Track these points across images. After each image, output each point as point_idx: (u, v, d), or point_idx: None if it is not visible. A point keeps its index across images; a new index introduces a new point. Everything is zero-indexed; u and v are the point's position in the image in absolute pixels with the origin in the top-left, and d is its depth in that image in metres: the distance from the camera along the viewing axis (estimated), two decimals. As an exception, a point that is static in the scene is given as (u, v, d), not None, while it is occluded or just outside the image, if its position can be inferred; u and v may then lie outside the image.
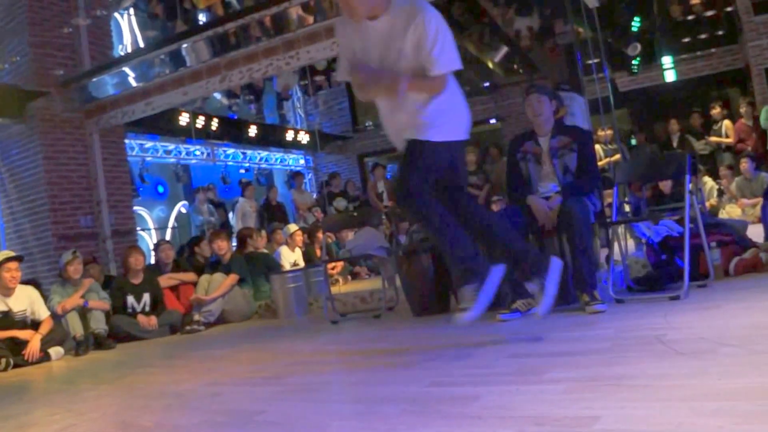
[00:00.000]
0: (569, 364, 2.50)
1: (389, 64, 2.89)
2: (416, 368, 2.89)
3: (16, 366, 5.22)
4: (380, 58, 2.91)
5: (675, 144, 9.90)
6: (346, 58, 3.05)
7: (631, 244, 5.24)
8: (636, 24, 9.45)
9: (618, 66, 9.73)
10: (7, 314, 5.50)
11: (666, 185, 7.10)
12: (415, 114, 2.92)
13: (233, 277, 6.51)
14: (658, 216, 4.68)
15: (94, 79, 8.13)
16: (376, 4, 2.81)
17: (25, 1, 7.89)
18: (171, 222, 11.55)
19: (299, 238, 8.07)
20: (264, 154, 13.23)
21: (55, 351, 5.52)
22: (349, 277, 8.30)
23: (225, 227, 9.81)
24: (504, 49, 8.19)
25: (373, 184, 11.18)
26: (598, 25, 5.95)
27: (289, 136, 12.74)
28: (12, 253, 5.77)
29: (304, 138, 12.91)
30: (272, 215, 10.32)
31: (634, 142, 10.79)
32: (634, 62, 9.94)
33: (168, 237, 10.50)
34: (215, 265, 6.83)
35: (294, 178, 11.79)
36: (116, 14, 9.97)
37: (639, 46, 9.41)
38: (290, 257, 7.78)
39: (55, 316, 5.73)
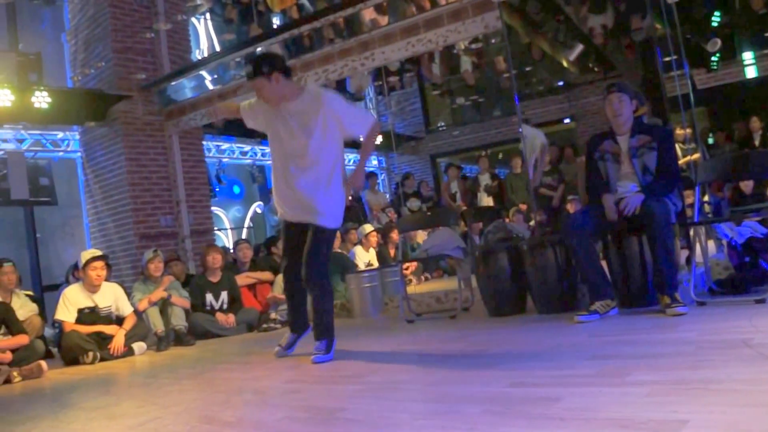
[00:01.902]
0: (652, 366, 2.47)
1: (297, 136, 3.70)
2: (495, 369, 2.89)
3: (102, 360, 5.47)
4: (288, 132, 3.73)
5: (756, 143, 9.52)
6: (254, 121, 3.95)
7: (710, 245, 5.09)
8: (716, 19, 9.13)
9: (696, 62, 9.41)
10: (94, 310, 5.74)
11: (747, 185, 6.85)
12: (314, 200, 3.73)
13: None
14: (741, 217, 4.53)
15: (173, 83, 8.41)
16: (286, 94, 3.70)
17: (108, 9, 8.24)
18: (247, 222, 11.79)
19: (374, 238, 8.12)
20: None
21: (138, 346, 5.74)
22: (423, 278, 8.30)
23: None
24: (579, 47, 8.02)
25: (446, 185, 11.16)
26: (677, 20, 5.79)
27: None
28: (97, 252, 6.00)
29: (377, 139, 12.95)
30: (346, 215, 10.39)
31: (712, 140, 10.43)
32: (713, 58, 9.59)
33: (244, 237, 10.72)
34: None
35: (367, 178, 11.86)
36: (193, 19, 10.26)
37: (719, 42, 9.08)
38: (365, 257, 7.84)
39: (136, 312, 5.97)
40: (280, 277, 6.71)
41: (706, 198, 5.85)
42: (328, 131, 3.71)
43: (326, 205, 3.78)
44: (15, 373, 4.89)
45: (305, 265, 3.78)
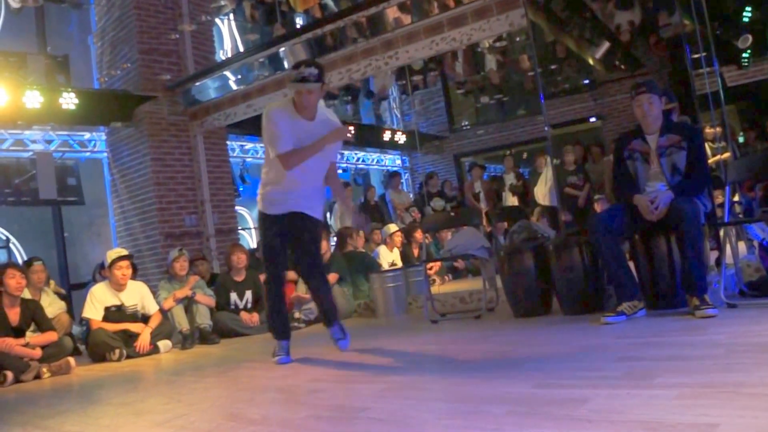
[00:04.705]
0: (681, 369, 2.42)
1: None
2: (520, 369, 2.87)
3: (128, 357, 5.54)
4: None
5: (789, 142, 9.36)
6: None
7: (741, 246, 5.00)
8: (747, 14, 8.96)
9: (727, 59, 9.26)
10: (120, 308, 5.81)
11: (779, 185, 6.73)
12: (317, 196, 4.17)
13: (333, 276, 6.61)
14: (773, 217, 4.45)
15: (198, 83, 8.46)
16: (314, 111, 3.92)
17: (133, 11, 8.31)
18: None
19: (398, 238, 8.11)
20: (361, 154, 13.37)
21: (164, 344, 5.80)
22: (446, 277, 8.28)
23: (323, 227, 9.95)
24: (606, 45, 7.94)
25: (470, 184, 11.12)
26: (706, 15, 5.70)
27: (386, 136, 12.82)
28: (123, 252, 6.07)
29: (401, 138, 12.96)
30: (370, 215, 10.40)
31: (742, 139, 10.26)
32: (744, 55, 9.42)
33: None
34: (315, 263, 6.94)
35: (391, 178, 11.86)
36: (217, 20, 10.32)
37: (750, 38, 8.91)
38: (388, 257, 7.84)
39: (162, 311, 6.02)
40: (304, 276, 6.74)
41: (736, 198, 5.74)
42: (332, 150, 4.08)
43: (319, 209, 4.24)
44: (44, 369, 4.98)
45: (312, 257, 4.21)
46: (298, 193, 4.00)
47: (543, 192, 8.91)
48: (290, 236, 4.10)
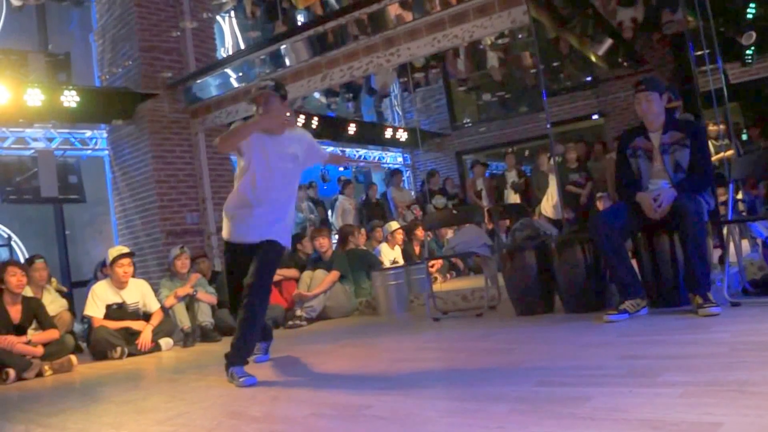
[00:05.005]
0: (684, 367, 2.41)
1: (286, 161, 3.79)
2: (522, 367, 2.86)
3: (130, 355, 5.55)
4: (279, 157, 3.76)
5: (793, 139, 9.32)
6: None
7: (744, 244, 4.98)
8: (751, 10, 8.92)
9: (730, 56, 9.22)
10: (122, 306, 5.82)
11: (783, 183, 6.70)
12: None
13: (335, 274, 6.62)
14: (776, 215, 4.43)
15: (199, 81, 8.44)
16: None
17: (134, 8, 8.30)
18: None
19: (400, 236, 8.10)
20: (362, 151, 13.36)
21: (165, 342, 5.81)
22: (449, 275, 8.28)
23: (325, 225, 9.97)
24: (608, 42, 7.91)
25: (471, 182, 11.11)
26: (710, 12, 5.67)
27: (388, 133, 12.81)
28: (124, 249, 6.07)
29: (402, 135, 12.95)
30: (371, 213, 10.40)
31: (746, 137, 10.22)
32: (748, 52, 9.38)
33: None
34: (317, 261, 6.95)
35: (393, 175, 11.85)
36: (218, 17, 10.31)
37: (754, 35, 8.87)
38: (390, 255, 7.83)
39: (163, 308, 6.02)
40: (305, 274, 6.73)
41: (739, 196, 5.73)
42: (302, 162, 3.92)
43: (284, 229, 3.84)
44: (46, 367, 4.99)
45: (256, 275, 3.58)
46: (259, 213, 3.72)
47: (549, 206, 8.90)
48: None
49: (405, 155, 14.37)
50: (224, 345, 5.68)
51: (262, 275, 3.59)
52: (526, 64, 11.21)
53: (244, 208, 3.75)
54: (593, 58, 8.69)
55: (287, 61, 7.43)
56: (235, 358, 3.49)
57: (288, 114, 3.90)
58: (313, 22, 7.47)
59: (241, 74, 8.09)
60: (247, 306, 3.52)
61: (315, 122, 10.91)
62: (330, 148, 12.47)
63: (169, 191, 8.37)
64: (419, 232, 8.40)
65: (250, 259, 3.65)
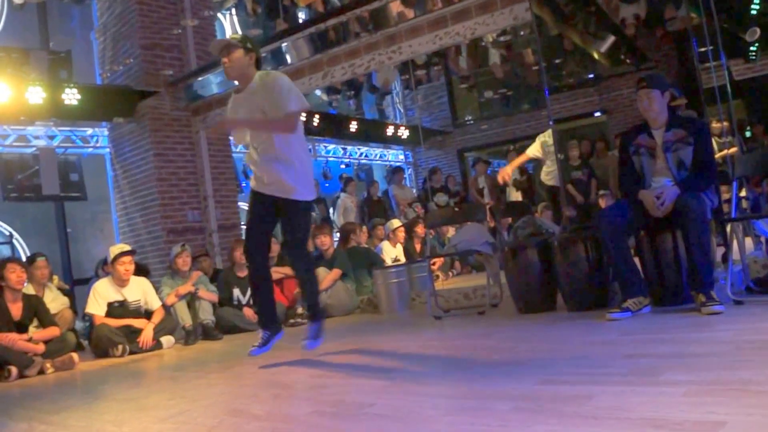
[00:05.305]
0: (687, 366, 2.40)
1: (251, 114, 3.77)
2: (525, 366, 2.85)
3: (131, 353, 5.56)
4: (248, 112, 3.79)
5: (797, 136, 9.29)
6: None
7: (748, 242, 4.96)
8: (755, 7, 8.87)
9: (734, 53, 9.17)
10: (123, 303, 5.83)
11: (787, 180, 6.67)
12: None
13: (336, 272, 6.61)
14: (780, 213, 4.41)
15: (200, 78, 8.44)
16: (249, 75, 3.79)
17: (135, 6, 8.30)
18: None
19: (401, 233, 8.10)
20: (364, 149, 13.35)
21: (167, 340, 5.81)
22: (450, 273, 8.27)
23: (326, 223, 9.96)
24: (611, 39, 7.90)
25: (474, 180, 11.10)
26: (713, 8, 5.65)
27: (389, 131, 12.80)
28: (126, 247, 6.08)
29: (404, 133, 12.93)
30: (373, 211, 10.39)
31: (750, 134, 10.19)
32: (752, 48, 9.33)
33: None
34: (318, 259, 6.93)
35: (394, 173, 11.83)
36: (219, 15, 10.30)
37: (758, 31, 8.82)
38: (392, 252, 7.82)
39: (165, 306, 6.02)
40: (307, 272, 6.71)
41: (743, 193, 5.70)
42: (269, 113, 3.72)
43: (295, 176, 3.77)
44: (48, 365, 5.00)
45: (293, 243, 3.88)
46: (258, 167, 3.82)
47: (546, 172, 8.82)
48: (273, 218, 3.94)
49: (406, 153, 14.36)
50: (225, 343, 5.73)
51: (296, 244, 3.89)
52: (528, 61, 11.19)
53: (252, 164, 3.90)
54: (596, 55, 8.68)
55: (288, 59, 7.42)
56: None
57: (251, 63, 3.79)
58: (315, 20, 7.46)
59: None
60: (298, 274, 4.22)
61: (316, 120, 10.90)
62: (332, 146, 12.50)
63: (170, 189, 8.37)
64: (419, 230, 8.39)
65: (268, 207, 3.83)
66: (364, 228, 8.29)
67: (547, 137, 7.14)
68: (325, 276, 6.54)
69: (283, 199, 3.76)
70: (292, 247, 3.93)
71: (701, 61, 5.48)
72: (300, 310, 6.44)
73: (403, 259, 7.75)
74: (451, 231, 8.61)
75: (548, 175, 7.85)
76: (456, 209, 7.33)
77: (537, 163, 9.98)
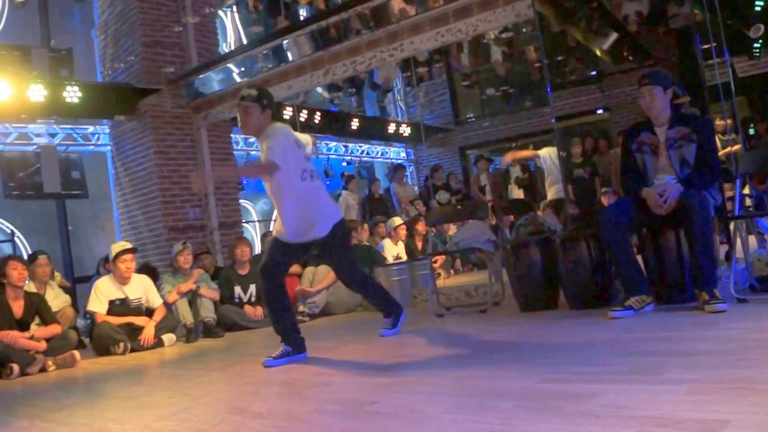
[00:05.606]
0: (690, 364, 2.39)
1: None
2: (527, 364, 2.84)
3: (132, 350, 5.57)
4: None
5: (801, 134, 9.27)
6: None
7: (751, 240, 4.94)
8: (759, 3, 8.83)
9: (738, 50, 9.14)
10: (124, 301, 5.83)
11: (791, 178, 6.64)
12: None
13: (337, 270, 6.59)
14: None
15: (201, 76, 8.44)
16: (253, 130, 4.07)
17: (136, 3, 8.29)
18: (275, 214, 11.78)
19: (403, 231, 8.08)
20: (365, 146, 13.34)
21: (168, 337, 5.81)
22: (452, 271, 8.26)
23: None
24: (613, 36, 7.86)
25: (475, 177, 11.07)
26: (717, 5, 5.62)
27: (391, 128, 12.78)
28: (127, 245, 6.07)
29: (405, 130, 12.91)
30: (374, 208, 10.38)
31: (753, 131, 10.15)
32: (755, 45, 9.29)
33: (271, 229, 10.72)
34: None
35: (396, 170, 11.82)
36: (220, 12, 10.28)
37: (762, 28, 8.79)
38: (393, 250, 7.81)
39: (166, 304, 6.01)
40: (308, 270, 6.72)
41: (746, 191, 5.67)
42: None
43: (283, 221, 4.02)
44: (50, 362, 5.00)
45: (351, 272, 4.21)
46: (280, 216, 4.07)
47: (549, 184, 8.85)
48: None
49: (408, 150, 14.35)
50: (227, 341, 5.72)
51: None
52: (530, 58, 11.17)
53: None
54: (598, 53, 8.65)
55: (290, 56, 7.41)
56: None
57: (267, 118, 4.00)
58: (316, 17, 7.45)
59: (243, 69, 8.07)
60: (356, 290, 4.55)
61: (318, 117, 10.88)
62: (333, 144, 12.49)
63: (171, 187, 8.36)
64: (420, 227, 8.38)
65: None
66: (366, 225, 8.28)
67: (553, 154, 7.17)
68: (326, 274, 6.53)
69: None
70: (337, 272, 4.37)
71: (705, 58, 5.44)
72: (301, 307, 6.43)
73: (404, 257, 7.74)
74: (452, 228, 8.59)
75: (551, 189, 7.89)
76: (458, 207, 7.33)
77: (539, 172, 9.97)
